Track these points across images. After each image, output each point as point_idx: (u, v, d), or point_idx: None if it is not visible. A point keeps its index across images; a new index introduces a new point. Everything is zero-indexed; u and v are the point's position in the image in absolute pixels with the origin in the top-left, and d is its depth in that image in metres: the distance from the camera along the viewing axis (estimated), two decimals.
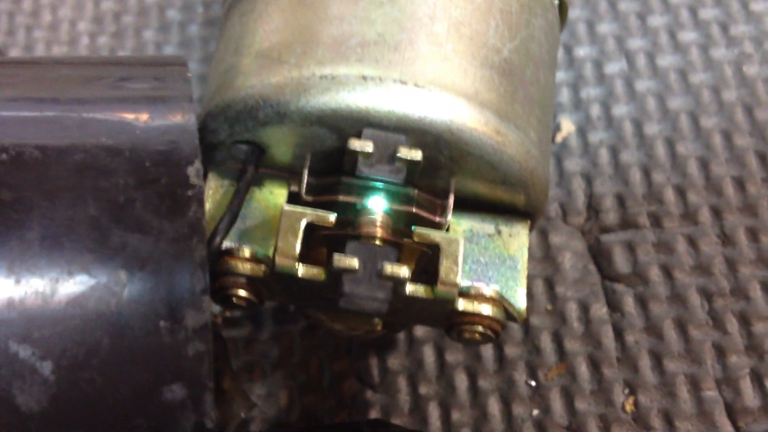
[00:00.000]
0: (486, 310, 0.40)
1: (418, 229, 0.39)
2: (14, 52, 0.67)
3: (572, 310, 0.53)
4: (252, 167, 0.41)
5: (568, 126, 0.58)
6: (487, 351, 0.52)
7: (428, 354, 0.52)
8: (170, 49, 0.64)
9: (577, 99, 0.59)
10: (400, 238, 0.39)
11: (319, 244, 0.41)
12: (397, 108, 0.39)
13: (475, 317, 0.40)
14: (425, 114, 0.39)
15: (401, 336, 0.53)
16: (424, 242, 0.39)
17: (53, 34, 0.68)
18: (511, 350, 0.52)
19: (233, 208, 0.40)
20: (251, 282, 0.39)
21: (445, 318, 0.41)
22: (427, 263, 0.40)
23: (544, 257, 0.54)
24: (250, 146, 0.42)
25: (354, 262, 0.37)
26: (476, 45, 0.41)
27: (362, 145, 0.39)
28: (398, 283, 0.38)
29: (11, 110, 0.34)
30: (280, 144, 0.41)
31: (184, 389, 0.34)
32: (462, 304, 0.40)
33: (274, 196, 0.42)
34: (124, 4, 0.68)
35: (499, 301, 0.41)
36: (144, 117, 0.35)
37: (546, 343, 0.52)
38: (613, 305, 0.53)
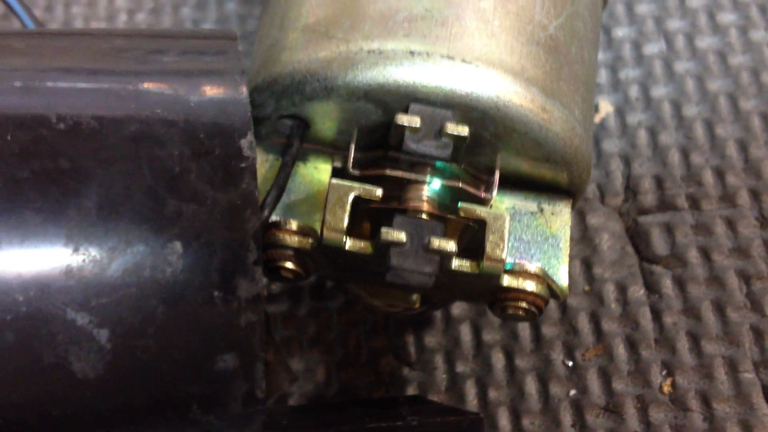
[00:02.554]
0: (530, 286, 0.40)
1: (463, 205, 0.39)
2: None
3: (610, 291, 0.53)
4: (297, 142, 0.42)
5: (606, 107, 0.58)
6: (524, 330, 0.52)
7: (465, 332, 0.52)
8: (208, 26, 0.64)
9: (616, 80, 0.59)
10: (446, 213, 0.40)
11: (364, 218, 0.41)
12: (444, 83, 0.39)
13: (519, 293, 0.40)
14: (472, 89, 0.39)
15: (438, 314, 0.53)
16: (470, 217, 0.39)
17: (91, 10, 0.68)
18: (548, 330, 0.52)
19: (279, 182, 0.40)
20: (299, 255, 0.40)
21: (490, 294, 0.41)
22: (471, 239, 0.41)
23: (581, 238, 0.54)
24: (295, 121, 0.42)
25: (402, 236, 0.37)
26: (522, 21, 0.41)
27: (409, 120, 0.39)
28: (445, 257, 0.38)
29: (68, 81, 0.34)
30: (326, 119, 0.41)
31: (237, 359, 0.34)
32: (507, 280, 0.40)
33: (318, 171, 0.42)
34: None
35: (543, 278, 0.41)
36: (197, 90, 0.35)
37: (583, 323, 0.52)
38: (651, 287, 0.53)
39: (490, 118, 0.40)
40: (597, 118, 0.58)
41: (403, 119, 0.39)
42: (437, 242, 0.37)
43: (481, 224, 0.39)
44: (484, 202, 0.41)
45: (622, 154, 0.57)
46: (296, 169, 0.42)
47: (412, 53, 0.39)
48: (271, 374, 0.45)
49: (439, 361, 0.52)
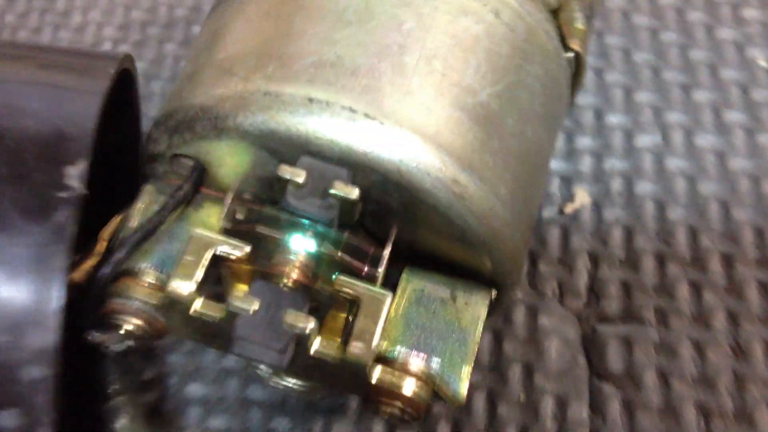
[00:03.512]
0: (407, 387, 0.34)
1: (340, 277, 0.34)
2: None
3: (548, 406, 0.46)
4: (188, 185, 0.37)
5: (583, 197, 0.52)
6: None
7: (378, 429, 0.46)
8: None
9: (600, 170, 0.53)
10: (325, 285, 0.34)
11: (239, 279, 0.36)
12: (340, 137, 0.34)
13: (390, 394, 0.34)
14: (371, 148, 0.34)
15: (353, 403, 0.47)
16: (343, 293, 0.34)
17: (78, 36, 0.66)
18: None
19: (147, 224, 0.36)
20: (147, 311, 0.35)
21: (362, 387, 0.35)
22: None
23: (529, 339, 0.48)
24: (191, 162, 0.38)
25: (252, 304, 0.32)
26: (448, 82, 0.36)
27: (293, 173, 0.34)
28: (300, 335, 0.33)
29: None
30: (221, 163, 0.37)
31: (19, 417, 0.29)
32: (377, 375, 0.34)
33: (211, 220, 0.38)
34: (153, 14, 0.66)
35: (427, 379, 0.35)
36: (40, 104, 0.31)
37: None
38: (596, 407, 0.46)
39: (393, 184, 0.34)
40: (570, 209, 0.52)
41: (286, 171, 0.34)
42: (292, 317, 0.32)
43: (356, 303, 0.34)
44: (370, 277, 0.35)
45: (592, 252, 0.50)
46: (188, 215, 0.38)
47: (310, 100, 0.34)
48: None
49: None
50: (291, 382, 0.44)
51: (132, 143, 0.41)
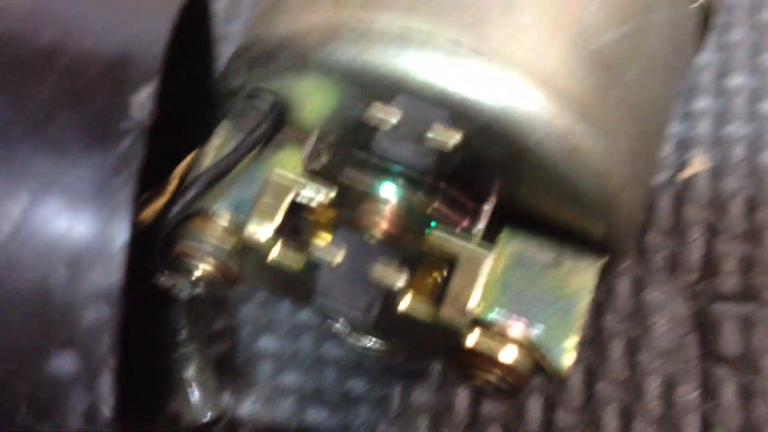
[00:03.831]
0: (506, 355, 0.31)
1: (435, 231, 0.30)
2: None
3: (654, 386, 0.42)
4: (268, 122, 0.34)
5: (700, 163, 0.47)
6: (534, 410, 0.42)
7: (461, 398, 0.43)
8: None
9: (719, 134, 0.48)
10: (411, 240, 0.31)
11: (322, 228, 0.33)
12: (441, 75, 0.30)
13: (488, 361, 0.31)
14: (476, 89, 0.30)
15: (437, 368, 0.44)
16: (438, 250, 0.30)
17: None
18: (563, 416, 0.42)
19: (222, 162, 0.33)
20: (218, 256, 0.32)
21: (453, 354, 0.31)
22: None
23: (633, 314, 0.44)
24: (272, 97, 0.34)
25: (336, 254, 0.29)
26: (567, 20, 0.32)
27: (386, 113, 0.30)
28: (388, 292, 0.29)
29: None
30: (305, 101, 0.34)
31: (77, 361, 0.27)
32: (473, 340, 0.31)
33: (291, 163, 0.35)
34: None
35: (528, 348, 0.31)
36: (104, 23, 0.28)
37: (610, 418, 0.41)
38: (709, 391, 0.41)
39: (497, 132, 0.30)
40: (685, 175, 0.47)
41: (379, 110, 0.30)
42: (380, 270, 0.29)
43: (451, 261, 0.30)
44: (467, 236, 0.31)
45: (709, 222, 0.46)
46: (266, 157, 0.35)
47: (410, 30, 0.31)
48: (184, 396, 0.38)
49: (422, 424, 0.43)
50: (370, 342, 0.41)
51: (206, 84, 0.38)
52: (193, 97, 0.39)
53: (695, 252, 0.45)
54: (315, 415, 0.43)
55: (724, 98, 0.49)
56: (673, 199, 0.47)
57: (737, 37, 0.51)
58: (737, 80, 0.50)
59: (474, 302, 0.29)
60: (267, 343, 0.45)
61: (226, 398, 0.44)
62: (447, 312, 0.29)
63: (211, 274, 0.32)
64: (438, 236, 0.30)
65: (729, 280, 0.44)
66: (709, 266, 0.45)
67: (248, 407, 0.44)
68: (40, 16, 0.27)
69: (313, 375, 0.44)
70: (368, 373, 0.44)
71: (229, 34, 0.56)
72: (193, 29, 0.35)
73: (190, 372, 0.38)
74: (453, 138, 0.30)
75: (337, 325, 0.41)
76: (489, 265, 0.30)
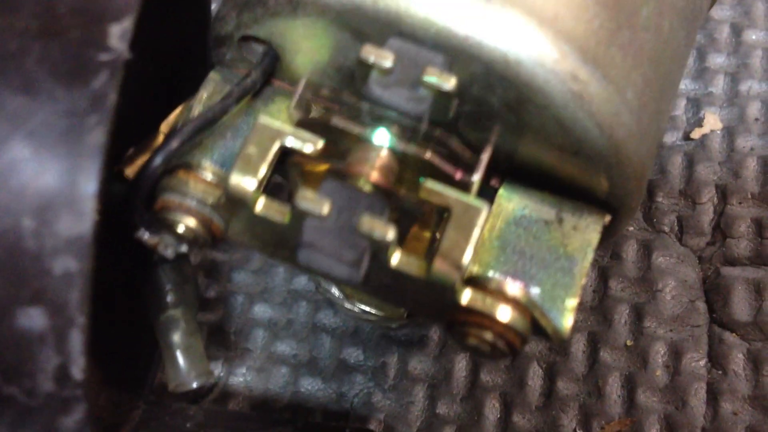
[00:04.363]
0: (502, 313, 0.29)
1: (427, 183, 0.28)
2: None
3: (659, 354, 0.40)
4: (258, 72, 0.32)
5: (713, 122, 0.45)
6: (535, 378, 0.40)
7: (459, 367, 0.41)
8: None
9: (734, 91, 0.46)
10: (405, 192, 0.29)
11: (310, 179, 0.31)
12: (436, 15, 0.28)
13: (484, 319, 0.29)
14: (473, 31, 0.28)
15: (435, 336, 0.42)
16: (430, 201, 0.28)
17: None
18: (565, 385, 0.40)
19: (207, 113, 0.31)
20: (202, 210, 0.30)
21: (445, 311, 0.30)
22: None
23: (640, 279, 0.42)
24: (262, 47, 0.32)
25: (323, 206, 0.27)
26: None
27: (379, 55, 0.28)
28: (378, 245, 0.27)
29: None
30: (297, 48, 0.32)
31: (45, 317, 0.25)
32: (468, 297, 0.29)
33: (281, 116, 0.33)
34: None
35: (526, 307, 0.29)
36: None
37: (613, 387, 0.40)
38: (716, 359, 0.40)
39: (497, 77, 0.29)
40: (698, 134, 0.45)
41: (371, 53, 0.28)
42: (368, 223, 0.27)
43: (445, 213, 0.28)
44: (463, 186, 0.29)
45: (720, 184, 0.44)
46: (256, 110, 0.33)
47: None
48: (174, 361, 0.36)
49: (419, 393, 0.41)
50: (365, 308, 0.39)
51: (201, 26, 0.36)
52: (188, 50, 0.38)
53: (706, 215, 0.43)
54: (309, 384, 0.42)
55: (739, 55, 0.47)
56: (684, 159, 0.45)
57: None
58: (754, 36, 0.48)
59: (468, 257, 0.27)
60: (262, 310, 0.44)
61: (219, 368, 0.42)
62: (439, 267, 0.27)
63: (195, 229, 0.30)
64: (431, 188, 0.28)
65: (740, 244, 0.42)
66: (720, 229, 0.43)
67: (241, 377, 0.42)
68: None
69: (307, 343, 0.43)
70: (364, 342, 0.42)
71: None
72: None
73: (176, 336, 0.37)
74: (449, 81, 0.28)
75: (333, 291, 0.39)
76: (484, 218, 0.28)
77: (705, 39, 0.48)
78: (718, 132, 0.45)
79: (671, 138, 0.45)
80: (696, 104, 0.46)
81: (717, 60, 0.47)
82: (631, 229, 0.43)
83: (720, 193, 0.44)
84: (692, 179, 0.44)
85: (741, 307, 0.41)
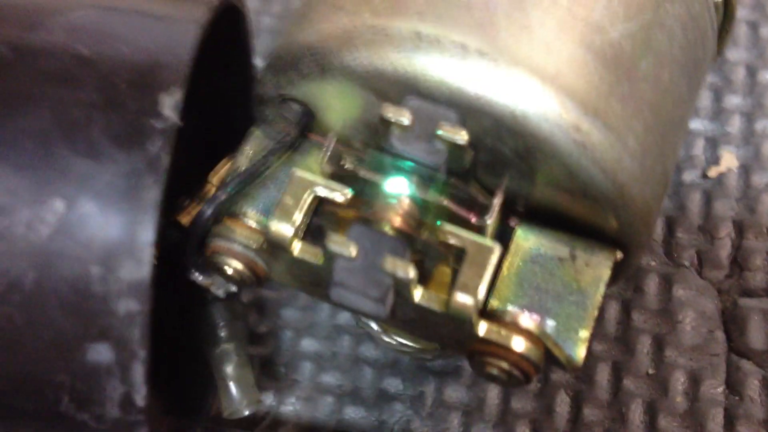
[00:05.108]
0: (517, 344, 0.32)
1: (444, 225, 0.32)
2: None
3: (680, 381, 0.42)
4: (296, 131, 0.36)
5: (730, 160, 0.48)
6: (562, 405, 0.43)
7: (492, 395, 0.44)
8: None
9: (750, 130, 0.48)
10: (426, 235, 0.32)
11: (341, 225, 0.35)
12: (450, 77, 0.32)
13: (500, 349, 0.32)
14: (483, 89, 0.31)
15: (467, 366, 0.45)
16: (448, 243, 0.31)
17: None
18: (590, 412, 0.42)
19: (251, 168, 0.35)
20: (247, 253, 0.34)
21: (466, 343, 0.33)
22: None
23: (661, 311, 0.44)
24: (300, 107, 0.36)
25: (351, 248, 0.30)
26: (573, 17, 0.33)
27: (398, 114, 0.32)
28: (400, 283, 0.31)
29: None
30: (328, 106, 0.36)
31: (111, 351, 0.29)
32: (484, 329, 0.32)
33: (316, 166, 0.37)
34: None
35: (539, 338, 0.32)
36: (136, 31, 0.30)
37: (636, 413, 0.42)
38: (734, 386, 0.42)
39: (506, 130, 0.32)
40: (715, 172, 0.47)
41: (391, 112, 0.32)
42: (392, 263, 0.30)
43: (461, 254, 0.31)
44: (478, 228, 0.33)
45: (738, 219, 0.46)
46: (294, 162, 0.37)
47: (418, 35, 0.32)
48: (225, 389, 0.40)
49: (454, 420, 0.44)
50: (402, 341, 0.42)
51: (246, 85, 0.40)
52: (232, 106, 0.42)
53: (724, 249, 0.45)
54: (352, 412, 0.45)
55: (755, 95, 0.50)
56: (703, 196, 0.47)
57: None
58: None
59: (482, 293, 0.31)
60: (308, 344, 0.47)
61: (270, 398, 0.46)
62: (456, 302, 0.31)
63: (241, 271, 0.34)
64: (447, 229, 0.31)
65: (756, 276, 0.44)
66: (737, 263, 0.45)
67: (290, 406, 0.46)
68: (78, 30, 0.30)
69: (351, 374, 0.46)
70: (403, 372, 0.45)
71: (260, 29, 0.57)
72: (228, 33, 0.38)
73: (229, 368, 0.40)
74: (462, 135, 0.31)
75: (372, 324, 0.43)
76: (496, 257, 0.31)
77: (721, 80, 0.50)
78: (735, 170, 0.47)
79: (690, 176, 0.47)
80: (713, 144, 0.48)
81: (733, 101, 0.49)
82: (653, 263, 0.45)
83: (737, 228, 0.46)
84: (710, 215, 0.46)
85: (757, 336, 0.43)
